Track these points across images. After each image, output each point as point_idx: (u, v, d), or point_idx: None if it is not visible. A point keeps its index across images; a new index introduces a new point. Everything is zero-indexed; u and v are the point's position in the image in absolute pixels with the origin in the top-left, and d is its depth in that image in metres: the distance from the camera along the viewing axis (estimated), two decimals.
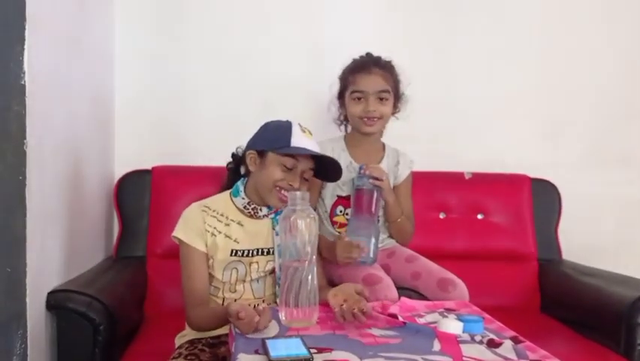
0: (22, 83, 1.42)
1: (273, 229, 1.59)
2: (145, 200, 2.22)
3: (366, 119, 1.91)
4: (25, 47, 1.43)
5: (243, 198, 1.59)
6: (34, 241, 1.52)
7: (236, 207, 1.60)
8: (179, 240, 1.56)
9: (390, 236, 2.03)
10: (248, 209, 1.59)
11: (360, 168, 1.85)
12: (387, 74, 1.93)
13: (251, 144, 1.60)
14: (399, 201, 1.94)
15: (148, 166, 2.27)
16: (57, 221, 1.79)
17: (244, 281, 1.58)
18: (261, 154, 1.56)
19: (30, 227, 1.47)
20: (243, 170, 1.63)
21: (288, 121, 1.57)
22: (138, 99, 2.41)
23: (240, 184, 1.61)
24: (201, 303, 1.53)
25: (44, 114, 1.63)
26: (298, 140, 1.53)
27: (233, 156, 1.67)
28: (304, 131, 1.56)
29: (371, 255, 1.78)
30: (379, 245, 1.86)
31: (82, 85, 2.02)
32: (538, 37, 2.56)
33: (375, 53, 1.98)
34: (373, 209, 1.82)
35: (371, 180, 1.80)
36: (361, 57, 1.98)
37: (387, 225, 1.99)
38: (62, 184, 1.83)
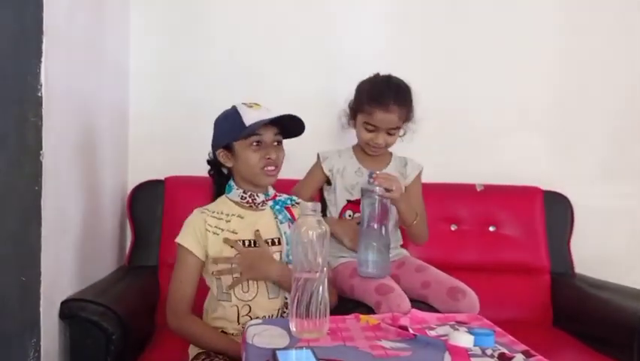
0: (39, 95, 1.45)
1: (276, 218, 1.62)
2: (158, 210, 2.24)
3: (372, 146, 1.94)
4: (42, 59, 1.46)
5: (238, 190, 1.62)
6: (48, 251, 1.53)
7: (234, 201, 1.63)
8: (178, 244, 1.59)
9: (401, 246, 2.04)
10: (245, 198, 1.62)
11: (370, 176, 1.79)
12: (403, 110, 1.91)
13: (215, 144, 1.63)
14: (411, 204, 1.93)
15: (161, 177, 2.29)
16: (71, 231, 1.81)
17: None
18: (228, 148, 1.60)
19: (45, 237, 1.48)
20: (225, 170, 1.66)
21: (233, 107, 1.60)
22: (152, 110, 2.43)
23: (230, 182, 1.64)
24: (189, 312, 1.56)
25: (60, 126, 1.65)
26: (249, 117, 1.55)
27: (210, 162, 1.68)
28: (251, 106, 1.58)
29: (376, 270, 1.77)
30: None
31: (97, 96, 2.04)
32: (551, 49, 2.56)
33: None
34: (382, 219, 1.78)
35: (381, 193, 1.76)
36: (382, 80, 1.95)
37: (406, 229, 1.98)
38: (77, 194, 1.86)
